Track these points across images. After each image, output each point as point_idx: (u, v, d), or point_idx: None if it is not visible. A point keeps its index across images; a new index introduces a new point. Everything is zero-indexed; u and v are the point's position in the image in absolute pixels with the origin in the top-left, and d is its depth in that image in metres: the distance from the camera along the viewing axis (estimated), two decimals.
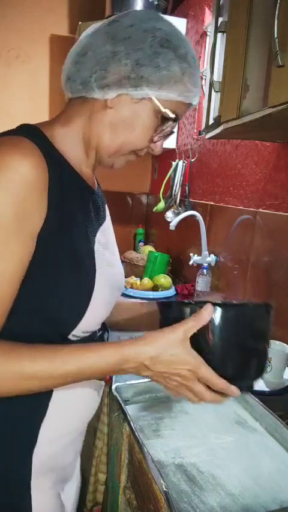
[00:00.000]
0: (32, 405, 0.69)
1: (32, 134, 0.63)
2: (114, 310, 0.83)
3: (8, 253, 0.58)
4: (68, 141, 0.71)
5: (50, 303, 0.65)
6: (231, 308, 0.66)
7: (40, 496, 0.71)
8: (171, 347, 0.63)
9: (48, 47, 2.67)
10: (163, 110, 0.68)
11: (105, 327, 0.82)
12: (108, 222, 0.82)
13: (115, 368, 0.63)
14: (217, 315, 0.64)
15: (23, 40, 2.61)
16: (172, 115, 0.69)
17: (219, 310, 0.64)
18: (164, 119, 0.70)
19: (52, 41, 2.67)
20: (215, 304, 0.64)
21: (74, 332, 0.68)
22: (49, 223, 0.61)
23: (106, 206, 0.85)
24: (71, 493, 0.84)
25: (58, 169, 0.64)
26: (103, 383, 0.84)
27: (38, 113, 2.59)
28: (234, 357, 0.66)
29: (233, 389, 0.65)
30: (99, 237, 0.74)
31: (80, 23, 2.30)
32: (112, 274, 0.76)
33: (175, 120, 0.70)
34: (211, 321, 0.63)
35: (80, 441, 0.81)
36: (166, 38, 0.65)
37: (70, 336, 0.68)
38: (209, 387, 0.65)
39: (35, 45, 2.64)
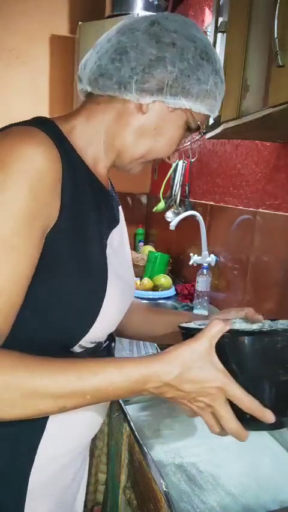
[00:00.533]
0: (29, 426, 0.63)
1: (45, 126, 0.60)
2: (154, 325, 0.82)
3: (21, 247, 0.53)
4: (86, 138, 0.68)
5: (57, 310, 0.60)
6: (259, 338, 0.57)
7: None
8: (197, 359, 0.55)
9: (48, 47, 2.68)
10: (196, 122, 0.68)
11: (111, 336, 0.77)
12: (121, 225, 0.78)
13: (137, 387, 0.55)
14: (243, 345, 0.56)
15: (23, 40, 2.61)
16: (200, 125, 0.69)
17: (245, 339, 0.56)
18: (188, 129, 0.69)
19: (52, 41, 2.67)
20: (239, 333, 0.57)
21: (81, 342, 0.63)
22: (61, 222, 0.58)
23: (120, 208, 0.81)
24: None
25: (72, 164, 0.62)
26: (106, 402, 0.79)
27: (38, 113, 2.57)
28: (264, 390, 0.57)
29: (268, 414, 0.55)
30: (110, 240, 0.71)
31: (80, 23, 2.31)
32: (123, 281, 0.71)
33: (203, 134, 0.70)
34: (237, 351, 0.56)
35: (79, 461, 0.76)
36: (205, 51, 0.65)
37: (76, 347, 0.64)
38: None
39: (35, 45, 2.64)
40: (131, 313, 0.85)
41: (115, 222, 0.75)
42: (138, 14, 2.13)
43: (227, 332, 0.57)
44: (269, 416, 0.55)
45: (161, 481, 0.68)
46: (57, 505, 0.72)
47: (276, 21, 0.70)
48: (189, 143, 0.74)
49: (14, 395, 0.50)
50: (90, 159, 0.69)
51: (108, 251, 0.68)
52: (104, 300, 0.64)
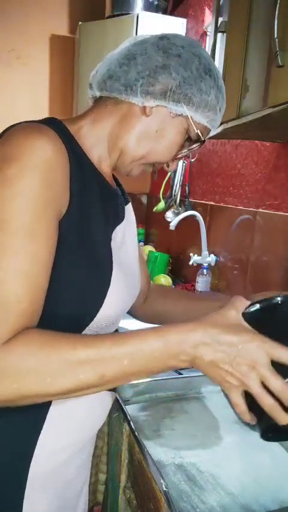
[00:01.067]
0: (29, 416, 0.65)
1: (53, 125, 0.64)
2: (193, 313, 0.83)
3: (40, 233, 0.55)
4: (92, 138, 0.72)
5: (64, 296, 0.61)
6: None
7: (33, 510, 0.68)
8: (232, 323, 0.55)
9: (49, 48, 2.67)
10: (196, 130, 0.70)
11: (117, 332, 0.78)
12: (125, 223, 0.80)
13: (174, 348, 0.53)
14: (274, 310, 0.56)
15: (23, 41, 2.61)
16: (202, 137, 0.72)
17: (272, 304, 0.56)
18: (189, 138, 0.73)
19: (52, 42, 2.67)
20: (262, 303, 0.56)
21: (85, 331, 0.65)
22: (71, 211, 0.61)
23: (128, 207, 0.83)
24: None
25: (78, 160, 0.65)
26: (111, 393, 0.80)
27: (38, 113, 2.59)
28: None
29: None
30: (114, 235, 0.73)
31: (80, 23, 2.30)
32: (126, 275, 0.73)
33: (202, 142, 0.73)
34: (266, 319, 0.55)
35: (81, 458, 0.76)
36: (209, 67, 0.69)
37: None
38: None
39: (35, 45, 2.64)
40: (169, 302, 0.89)
41: (119, 219, 0.77)
42: (138, 14, 2.13)
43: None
44: None
45: (161, 480, 0.68)
46: (58, 499, 0.72)
47: (276, 21, 0.70)
48: (187, 151, 0.75)
49: (53, 366, 0.51)
50: (96, 158, 0.72)
51: (112, 244, 0.70)
52: (110, 287, 0.65)
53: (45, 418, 0.66)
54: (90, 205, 0.66)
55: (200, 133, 0.71)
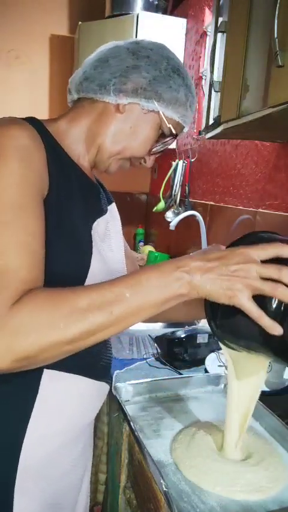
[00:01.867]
0: (18, 402, 0.67)
1: (32, 122, 0.69)
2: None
3: (29, 207, 0.59)
4: (71, 136, 0.76)
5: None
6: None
7: (25, 501, 0.68)
8: (211, 251, 0.60)
9: (48, 47, 2.67)
10: (168, 125, 0.76)
11: None
12: (108, 217, 0.82)
13: (169, 273, 0.56)
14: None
15: (23, 41, 2.61)
16: (173, 132, 0.77)
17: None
18: (163, 134, 0.78)
19: (52, 41, 2.67)
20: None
21: None
22: (50, 194, 0.65)
23: (111, 207, 0.86)
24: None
25: (55, 151, 0.70)
26: (106, 385, 0.82)
27: (38, 113, 2.58)
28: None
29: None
30: (96, 226, 0.76)
31: (80, 23, 2.30)
32: (108, 266, 0.75)
33: (174, 137, 0.78)
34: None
35: (75, 448, 0.78)
36: (177, 67, 0.75)
37: None
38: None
39: (35, 45, 2.64)
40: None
41: (101, 212, 0.80)
42: (138, 14, 2.13)
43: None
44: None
45: (161, 480, 0.68)
46: (52, 492, 0.73)
47: (276, 21, 0.70)
48: (161, 146, 0.80)
49: (62, 313, 0.53)
50: (75, 154, 0.77)
51: (93, 233, 0.74)
52: (89, 272, 0.69)
53: (33, 405, 0.67)
54: (68, 192, 0.70)
55: (172, 128, 0.76)
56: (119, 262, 0.82)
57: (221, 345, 0.67)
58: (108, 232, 0.81)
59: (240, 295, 0.53)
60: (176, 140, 0.82)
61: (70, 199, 0.70)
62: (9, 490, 0.67)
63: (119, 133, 0.75)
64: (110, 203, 0.85)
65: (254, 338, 0.57)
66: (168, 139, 0.78)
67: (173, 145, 2.30)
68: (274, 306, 0.54)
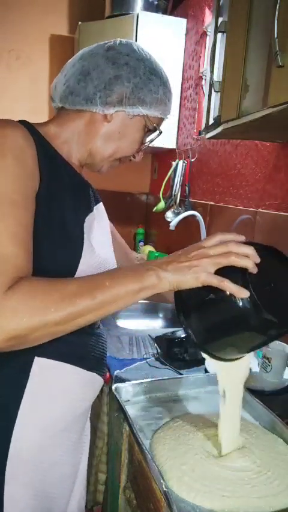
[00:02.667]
0: (8, 388, 0.71)
1: (24, 124, 0.73)
2: None
3: (20, 202, 0.64)
4: (61, 137, 0.81)
5: (35, 265, 0.66)
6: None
7: (15, 488, 0.71)
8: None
9: (48, 48, 2.67)
10: (153, 124, 0.83)
11: None
12: (97, 217, 0.86)
13: (142, 268, 0.65)
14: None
15: (23, 41, 2.61)
16: (159, 130, 0.85)
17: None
18: (149, 132, 0.84)
19: (52, 41, 2.67)
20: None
21: None
22: (42, 189, 0.69)
23: (99, 206, 0.89)
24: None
25: (45, 150, 0.74)
26: (98, 376, 0.84)
27: (38, 113, 2.59)
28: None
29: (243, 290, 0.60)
30: (87, 221, 0.80)
31: (80, 23, 2.30)
32: (98, 259, 0.79)
33: (157, 129, 0.84)
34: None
35: (70, 439, 0.80)
36: (153, 67, 0.80)
37: None
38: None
39: (35, 46, 2.64)
40: None
41: (90, 209, 0.84)
42: (138, 14, 2.13)
43: None
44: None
45: (161, 481, 0.68)
46: (43, 480, 0.75)
47: (276, 21, 0.70)
48: (148, 143, 0.88)
49: (53, 298, 0.59)
50: (65, 153, 0.81)
51: (85, 226, 0.78)
52: (79, 264, 0.73)
53: (23, 392, 0.71)
54: (59, 188, 0.74)
55: (156, 126, 0.84)
56: (108, 256, 0.85)
57: (204, 356, 0.70)
58: (96, 229, 0.84)
59: (203, 272, 0.61)
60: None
61: (61, 194, 0.74)
62: (0, 477, 0.70)
63: (108, 138, 0.81)
64: (97, 202, 0.89)
65: (229, 322, 0.64)
66: (154, 135, 0.86)
67: (173, 145, 2.31)
68: (234, 276, 0.61)
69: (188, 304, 0.67)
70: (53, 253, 0.70)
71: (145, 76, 0.78)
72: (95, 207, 0.86)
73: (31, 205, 0.67)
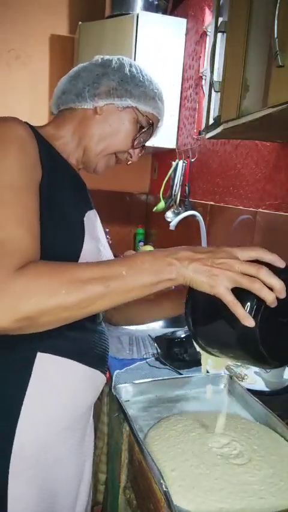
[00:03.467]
0: (11, 385, 0.71)
1: (24, 122, 0.75)
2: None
3: (26, 188, 0.65)
4: (59, 138, 0.84)
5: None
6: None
7: (19, 485, 0.71)
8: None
9: (48, 47, 2.67)
10: (143, 116, 0.85)
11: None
12: (94, 218, 0.87)
13: (161, 260, 0.61)
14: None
15: (23, 41, 2.61)
16: (149, 122, 0.86)
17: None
18: (142, 128, 0.86)
19: (52, 41, 2.67)
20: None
21: None
22: (43, 181, 0.71)
23: (94, 211, 0.90)
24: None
25: (46, 147, 0.76)
26: (100, 374, 0.84)
27: (38, 113, 2.59)
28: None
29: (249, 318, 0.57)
30: (86, 217, 0.80)
31: (80, 23, 2.30)
32: (99, 252, 0.80)
33: (150, 126, 0.87)
34: None
35: (70, 437, 0.80)
36: (139, 69, 0.86)
37: None
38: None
39: (35, 45, 2.64)
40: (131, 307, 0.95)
41: (90, 206, 0.86)
42: (138, 14, 2.13)
43: None
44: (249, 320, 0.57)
45: (161, 481, 0.68)
46: (47, 477, 0.75)
47: (276, 21, 0.70)
48: (142, 140, 0.89)
49: (64, 280, 0.57)
50: (65, 153, 0.84)
51: (85, 219, 0.79)
52: (81, 255, 0.73)
53: (26, 389, 0.71)
54: (59, 182, 0.76)
55: (148, 119, 0.86)
56: (108, 255, 0.87)
57: (195, 344, 0.69)
58: (97, 227, 0.86)
59: (221, 285, 0.57)
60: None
61: (61, 187, 0.76)
62: (4, 474, 0.70)
63: (100, 132, 0.84)
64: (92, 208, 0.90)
65: (227, 335, 0.62)
66: (146, 128, 0.87)
67: (173, 145, 2.31)
68: (249, 302, 0.58)
69: (196, 298, 0.66)
70: (54, 243, 0.70)
71: (131, 73, 0.84)
72: (93, 211, 0.88)
73: (36, 191, 0.68)
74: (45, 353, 0.73)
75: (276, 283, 0.56)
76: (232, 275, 0.57)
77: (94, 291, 0.58)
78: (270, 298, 0.56)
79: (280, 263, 0.60)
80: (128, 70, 0.84)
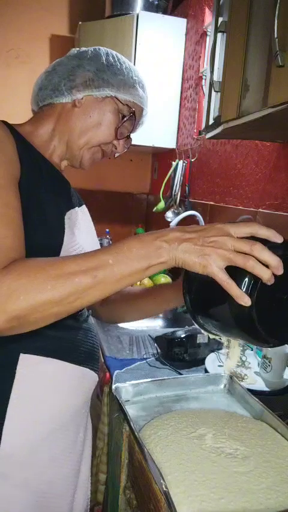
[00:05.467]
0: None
1: (2, 121, 0.74)
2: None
3: (6, 186, 0.64)
4: (38, 136, 0.83)
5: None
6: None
7: (7, 487, 0.70)
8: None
9: (48, 47, 2.67)
10: (123, 105, 0.83)
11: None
12: (81, 215, 0.87)
13: (149, 242, 0.58)
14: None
15: (23, 40, 2.61)
16: (131, 110, 0.84)
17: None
18: (124, 117, 0.84)
19: (52, 41, 2.67)
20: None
21: None
22: (21, 180, 0.70)
23: (83, 208, 0.90)
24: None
25: (24, 145, 0.75)
26: (90, 371, 0.83)
27: None
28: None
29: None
30: (68, 215, 0.80)
31: (80, 23, 2.30)
32: (80, 248, 0.78)
33: (133, 115, 0.84)
34: None
35: (62, 438, 0.79)
36: (116, 57, 0.84)
37: None
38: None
39: (35, 45, 2.64)
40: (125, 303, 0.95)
41: (72, 205, 0.84)
42: (138, 14, 2.13)
43: None
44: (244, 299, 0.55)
45: (161, 481, 0.68)
46: (40, 479, 0.75)
47: (276, 21, 0.70)
48: (125, 130, 0.86)
49: (50, 275, 0.55)
50: (46, 152, 0.83)
51: (66, 219, 0.78)
52: (61, 252, 0.73)
53: (11, 390, 0.70)
54: (38, 180, 0.75)
55: (130, 108, 0.83)
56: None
57: (195, 324, 0.68)
58: (81, 227, 0.84)
59: (213, 264, 0.54)
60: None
61: (40, 186, 0.75)
62: None
63: (81, 125, 0.82)
64: (80, 205, 0.89)
65: (224, 313, 0.60)
66: (127, 117, 0.84)
67: (173, 145, 2.31)
68: (245, 280, 0.56)
69: (192, 278, 0.64)
70: (32, 241, 0.68)
71: (107, 62, 0.82)
72: (79, 208, 0.87)
73: (16, 190, 0.67)
74: (28, 353, 0.72)
75: (272, 259, 0.54)
76: (224, 253, 0.54)
77: (81, 283, 0.56)
78: (266, 276, 0.54)
79: (277, 238, 0.56)
80: (104, 59, 0.82)
